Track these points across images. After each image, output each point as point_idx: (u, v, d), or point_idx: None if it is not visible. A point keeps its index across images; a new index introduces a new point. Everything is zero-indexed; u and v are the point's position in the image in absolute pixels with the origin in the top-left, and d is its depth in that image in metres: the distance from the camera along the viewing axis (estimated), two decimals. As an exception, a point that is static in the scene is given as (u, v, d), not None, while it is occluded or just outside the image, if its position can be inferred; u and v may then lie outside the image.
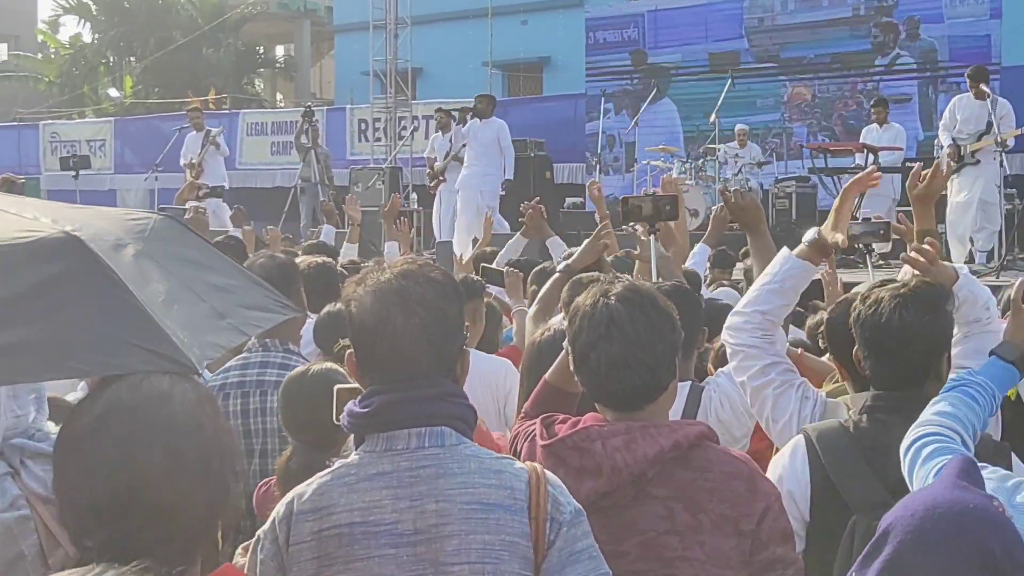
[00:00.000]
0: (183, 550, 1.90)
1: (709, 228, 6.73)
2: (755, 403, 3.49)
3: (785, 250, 3.63)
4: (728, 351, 3.54)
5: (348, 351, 2.53)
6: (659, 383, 2.72)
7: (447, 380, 2.47)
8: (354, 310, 2.46)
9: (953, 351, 3.40)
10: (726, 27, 18.96)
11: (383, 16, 21.84)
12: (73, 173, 17.05)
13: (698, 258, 6.61)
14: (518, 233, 8.03)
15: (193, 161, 17.23)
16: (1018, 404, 3.64)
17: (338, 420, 2.57)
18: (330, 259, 6.43)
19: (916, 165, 4.51)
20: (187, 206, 9.32)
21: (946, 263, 3.50)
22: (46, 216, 2.19)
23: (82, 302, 1.97)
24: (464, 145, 15.46)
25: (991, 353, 2.94)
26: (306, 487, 2.44)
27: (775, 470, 3.02)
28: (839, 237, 3.53)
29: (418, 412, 2.41)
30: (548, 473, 2.45)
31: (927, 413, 2.74)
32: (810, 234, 3.55)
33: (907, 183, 4.29)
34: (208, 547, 1.99)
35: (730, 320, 3.57)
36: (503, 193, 14.99)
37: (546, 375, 3.11)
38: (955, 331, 3.45)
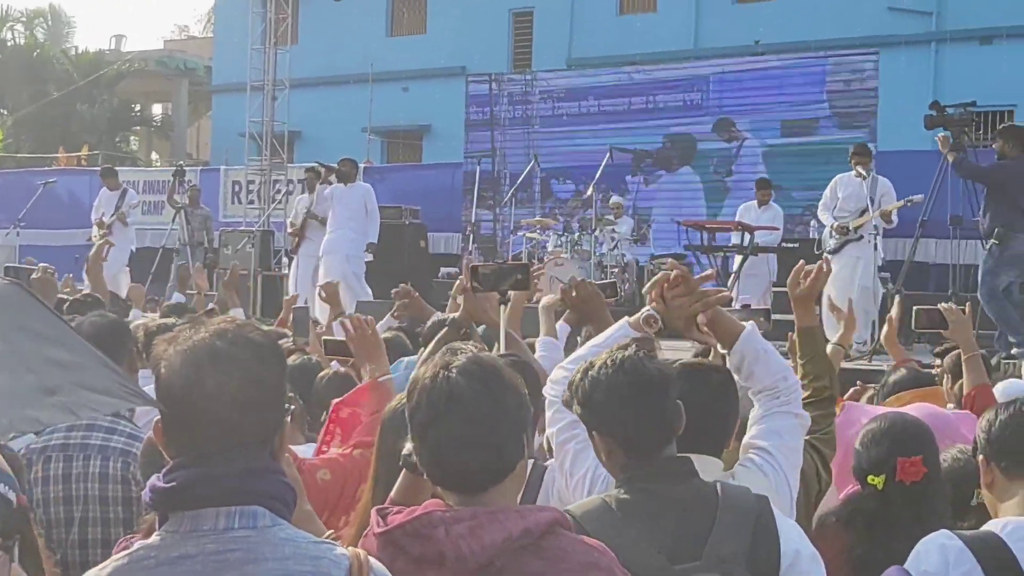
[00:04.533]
0: None
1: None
2: (558, 455, 3.42)
3: (625, 319, 3.56)
4: (546, 402, 3.45)
5: (156, 419, 2.26)
6: (504, 464, 2.47)
7: (263, 454, 2.20)
8: (163, 371, 2.21)
9: (751, 429, 3.39)
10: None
11: (261, 77, 21.58)
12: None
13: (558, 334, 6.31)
14: (388, 315, 7.71)
15: (104, 220, 16.97)
16: (883, 495, 3.52)
17: None
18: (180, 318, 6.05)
19: (801, 262, 4.38)
20: (36, 265, 8.81)
21: (733, 319, 3.51)
22: None
23: None
24: (310, 209, 15.49)
25: None
26: (99, 571, 2.15)
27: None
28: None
29: (228, 489, 2.14)
30: (372, 560, 2.20)
31: None
32: (648, 310, 3.49)
33: (789, 281, 4.20)
34: None
35: (554, 374, 3.51)
36: (369, 258, 14.93)
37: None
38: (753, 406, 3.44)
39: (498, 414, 2.46)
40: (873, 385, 6.44)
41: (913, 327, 5.78)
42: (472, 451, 2.43)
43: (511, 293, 4.94)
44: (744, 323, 3.45)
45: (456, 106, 21.80)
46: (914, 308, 5.80)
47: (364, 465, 3.89)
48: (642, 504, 2.83)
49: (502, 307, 4.98)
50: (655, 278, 3.49)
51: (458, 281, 5.23)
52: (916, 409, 4.18)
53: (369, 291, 14.64)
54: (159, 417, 2.24)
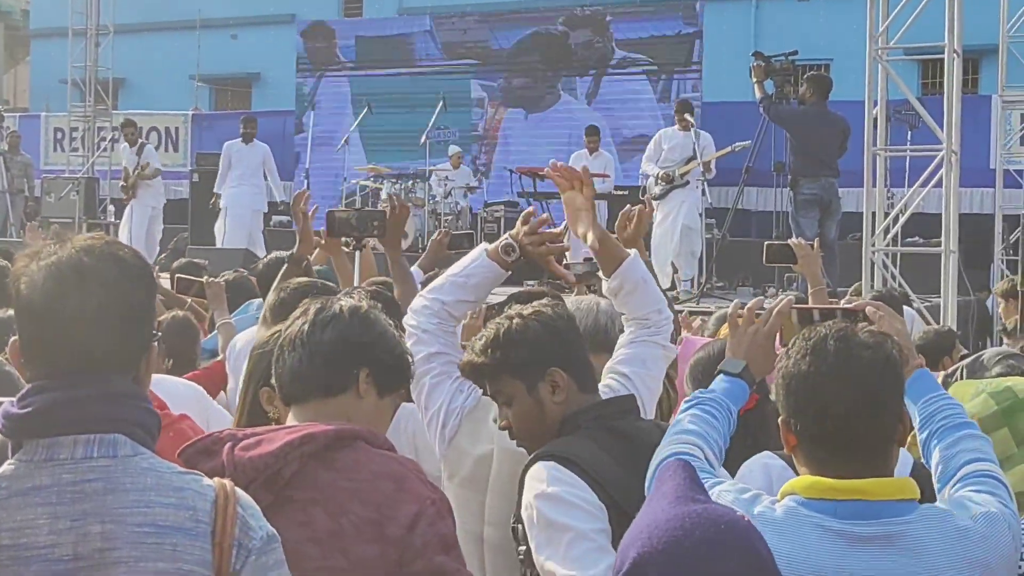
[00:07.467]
0: None
1: (426, 252, 6.54)
2: (414, 388, 3.40)
3: (482, 246, 3.58)
4: (406, 331, 3.43)
5: (13, 338, 2.15)
6: (318, 377, 2.63)
7: (126, 378, 2.12)
8: (23, 288, 2.08)
9: (617, 353, 3.44)
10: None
11: (83, 22, 20.81)
12: None
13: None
14: None
15: None
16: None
17: None
18: (5, 262, 5.84)
19: (627, 207, 4.52)
20: None
21: (619, 244, 3.58)
22: None
23: None
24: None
25: (717, 371, 2.95)
26: None
27: None
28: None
29: (87, 415, 2.04)
30: (240, 492, 2.14)
31: (669, 432, 2.75)
32: (506, 238, 3.51)
33: (616, 225, 4.29)
34: None
35: (414, 302, 3.53)
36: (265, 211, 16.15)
37: None
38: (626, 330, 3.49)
39: (324, 340, 2.64)
40: (702, 316, 6.68)
41: (764, 261, 6.00)
42: (293, 356, 2.64)
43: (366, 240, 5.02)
44: (628, 251, 3.48)
45: (286, 53, 21.46)
46: (765, 244, 6.04)
47: None
48: (619, 443, 2.91)
49: (357, 253, 5.05)
50: (523, 213, 3.53)
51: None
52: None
53: (262, 241, 15.41)
54: (16, 337, 2.13)
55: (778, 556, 2.21)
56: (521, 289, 4.00)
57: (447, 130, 17.72)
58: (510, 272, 3.54)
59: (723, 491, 2.46)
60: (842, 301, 7.70)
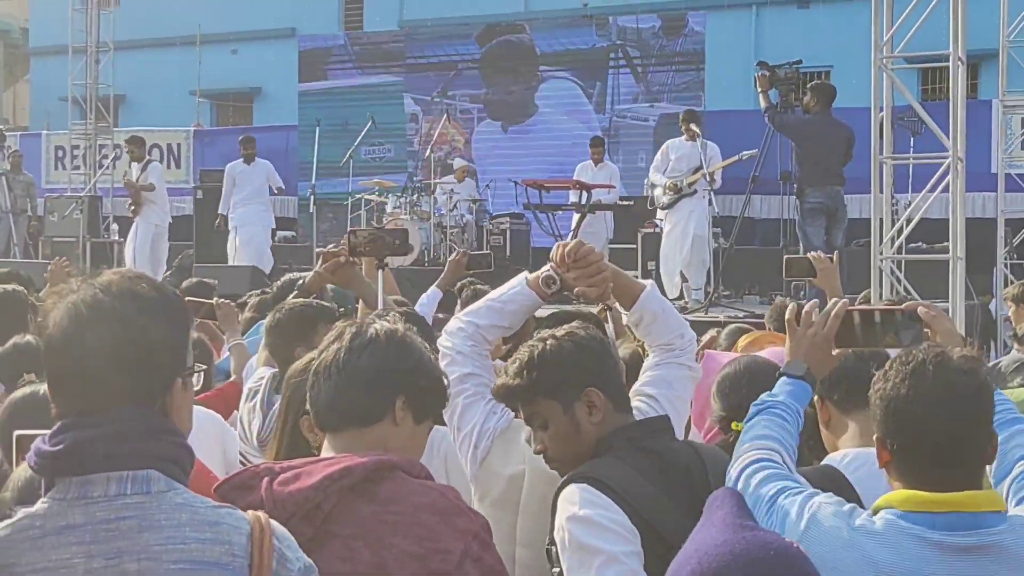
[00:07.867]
0: None
1: (444, 272, 6.52)
2: (447, 410, 3.36)
3: (523, 274, 3.55)
4: (440, 352, 3.41)
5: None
6: (352, 406, 2.61)
7: (153, 413, 2.12)
8: (48, 326, 2.13)
9: (643, 376, 3.43)
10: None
11: (83, 39, 20.80)
12: None
13: (428, 301, 6.34)
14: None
15: None
16: None
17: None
18: (20, 287, 5.86)
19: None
20: None
21: (633, 278, 3.57)
22: None
23: None
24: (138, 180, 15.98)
25: (780, 374, 3.02)
26: None
27: None
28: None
29: (119, 451, 2.04)
30: (275, 524, 2.13)
31: (746, 438, 2.83)
32: (547, 270, 3.48)
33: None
34: None
35: (449, 324, 3.52)
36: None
37: None
38: (650, 356, 3.48)
39: (361, 367, 2.63)
40: (716, 328, 6.69)
41: (784, 276, 5.99)
42: (329, 383, 2.63)
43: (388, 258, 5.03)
44: (644, 282, 3.48)
45: (287, 68, 21.49)
46: (785, 257, 6.02)
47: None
48: (653, 464, 2.88)
49: (379, 272, 5.04)
50: (562, 244, 3.45)
51: (328, 247, 5.25)
52: (771, 354, 4.30)
53: (271, 257, 15.66)
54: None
55: (881, 566, 2.37)
56: (557, 310, 3.97)
57: (382, 146, 17.87)
58: (546, 302, 3.53)
59: (823, 503, 2.57)
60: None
